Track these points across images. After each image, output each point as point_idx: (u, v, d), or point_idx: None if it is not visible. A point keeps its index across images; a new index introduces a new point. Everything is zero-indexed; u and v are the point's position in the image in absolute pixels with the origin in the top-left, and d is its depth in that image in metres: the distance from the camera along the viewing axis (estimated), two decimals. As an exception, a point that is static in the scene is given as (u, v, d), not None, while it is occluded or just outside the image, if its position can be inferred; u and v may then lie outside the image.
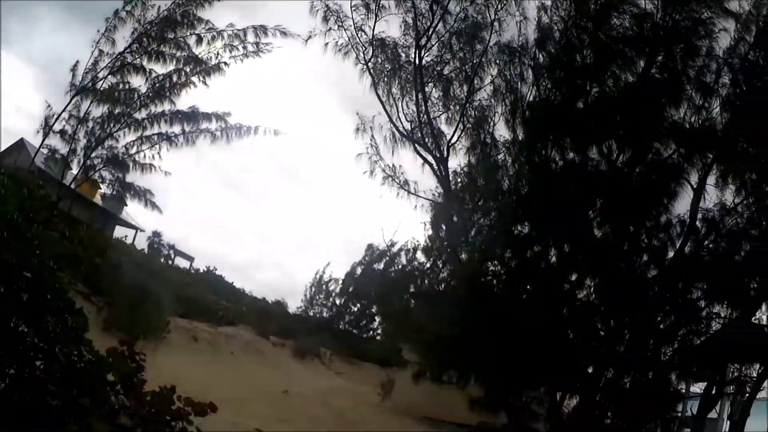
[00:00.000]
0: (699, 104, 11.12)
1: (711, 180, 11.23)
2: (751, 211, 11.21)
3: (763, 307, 11.63)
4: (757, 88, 10.59)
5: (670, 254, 11.45)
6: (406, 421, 16.72)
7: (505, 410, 11.64)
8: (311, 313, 34.60)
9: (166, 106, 13.27)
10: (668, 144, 11.30)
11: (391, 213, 45.58)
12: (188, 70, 13.23)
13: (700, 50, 10.93)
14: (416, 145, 11.68)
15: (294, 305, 35.76)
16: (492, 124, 11.89)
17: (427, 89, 11.74)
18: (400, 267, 31.79)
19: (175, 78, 13.24)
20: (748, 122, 10.25)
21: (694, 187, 11.18)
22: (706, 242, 11.46)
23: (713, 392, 11.37)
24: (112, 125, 13.29)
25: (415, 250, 31.16)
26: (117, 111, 13.32)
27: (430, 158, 11.65)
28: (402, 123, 11.67)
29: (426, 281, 19.89)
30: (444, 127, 11.81)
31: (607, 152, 11.39)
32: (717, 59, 10.96)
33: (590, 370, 11.57)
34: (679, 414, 12.27)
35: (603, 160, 11.38)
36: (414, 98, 11.52)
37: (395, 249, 32.58)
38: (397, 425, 16.12)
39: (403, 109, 11.68)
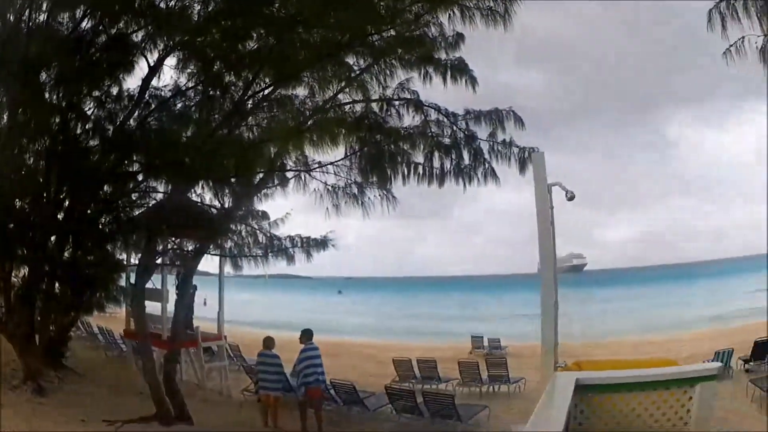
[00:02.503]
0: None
1: (173, 62, 11.79)
2: (202, 97, 11.84)
3: (209, 187, 12.30)
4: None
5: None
6: None
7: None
8: None
9: None
10: (136, 21, 11.41)
11: None
12: None
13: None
14: None
15: None
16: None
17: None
18: None
19: None
20: (226, 19, 10.76)
21: (151, 65, 11.72)
22: (150, 119, 11.87)
23: (149, 263, 11.66)
24: None
25: None
26: None
27: None
28: None
29: None
30: None
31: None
32: None
33: (34, 238, 11.27)
34: (123, 283, 12.70)
35: (64, 28, 11.06)
36: None
37: None
38: None
39: None
